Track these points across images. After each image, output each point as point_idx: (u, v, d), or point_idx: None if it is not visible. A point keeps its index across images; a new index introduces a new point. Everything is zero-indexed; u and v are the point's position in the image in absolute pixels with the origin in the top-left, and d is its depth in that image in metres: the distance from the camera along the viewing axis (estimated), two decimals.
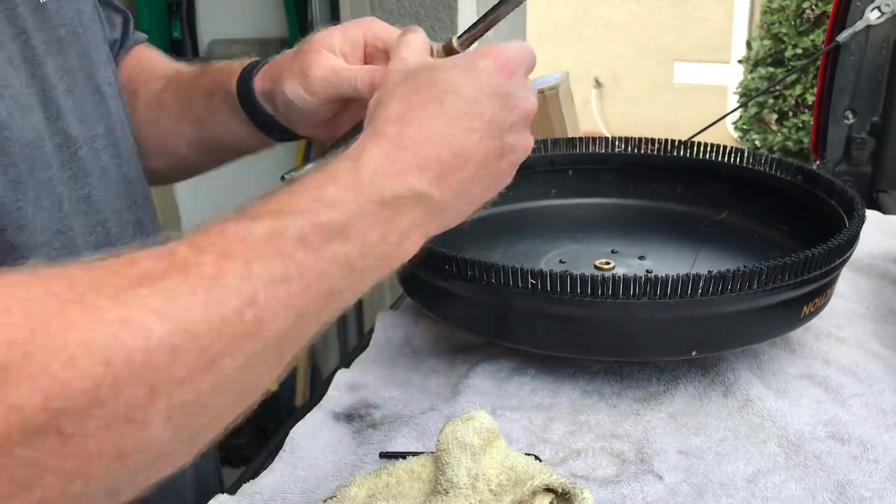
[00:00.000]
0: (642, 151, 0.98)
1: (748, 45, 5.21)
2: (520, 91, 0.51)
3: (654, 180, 0.96)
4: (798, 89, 4.71)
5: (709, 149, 0.93)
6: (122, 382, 0.31)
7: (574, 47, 5.89)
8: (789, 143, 4.83)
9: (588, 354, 0.69)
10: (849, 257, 0.70)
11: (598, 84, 5.94)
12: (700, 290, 0.61)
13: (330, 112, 0.65)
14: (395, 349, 0.77)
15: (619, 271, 0.82)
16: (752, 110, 5.06)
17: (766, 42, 4.87)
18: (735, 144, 4.93)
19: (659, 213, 0.95)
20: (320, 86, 0.61)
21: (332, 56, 0.62)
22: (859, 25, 1.34)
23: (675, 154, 0.95)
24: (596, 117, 5.87)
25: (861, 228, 0.72)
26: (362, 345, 0.80)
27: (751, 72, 5.07)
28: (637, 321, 0.64)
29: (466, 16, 1.75)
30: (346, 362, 0.75)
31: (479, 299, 0.68)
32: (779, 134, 4.87)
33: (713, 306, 0.62)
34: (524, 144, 0.52)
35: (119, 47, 0.75)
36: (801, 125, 4.75)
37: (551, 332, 0.66)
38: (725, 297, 0.62)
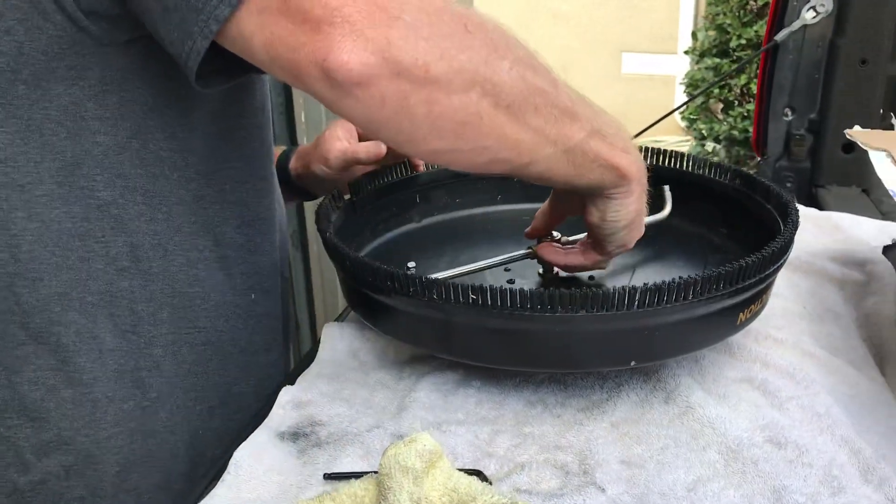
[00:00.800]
0: None
1: (694, 35, 5.28)
2: None
3: None
4: (743, 79, 4.79)
5: (648, 153, 0.94)
6: (494, 29, 0.58)
7: (523, 39, 5.90)
8: (735, 132, 4.92)
9: (530, 366, 0.70)
10: (783, 264, 0.72)
11: None
12: (637, 303, 0.62)
13: (339, 176, 0.96)
14: (341, 363, 0.76)
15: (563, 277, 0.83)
16: (699, 100, 5.14)
17: (712, 33, 4.94)
18: (682, 134, 4.97)
19: None
20: (336, 163, 0.95)
21: (341, 141, 0.96)
22: (796, 25, 1.37)
23: None
24: None
25: (794, 235, 0.73)
26: (308, 359, 0.79)
27: (697, 62, 5.14)
28: (577, 334, 0.64)
29: None
30: (292, 377, 0.75)
31: (421, 314, 0.68)
32: (725, 123, 4.95)
33: (650, 318, 0.63)
34: None
35: None
36: (746, 114, 4.83)
37: (494, 345, 0.66)
38: (661, 309, 0.63)
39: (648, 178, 0.70)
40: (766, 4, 4.64)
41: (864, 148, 0.87)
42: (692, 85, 5.18)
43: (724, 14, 4.81)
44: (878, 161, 0.81)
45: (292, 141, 1.85)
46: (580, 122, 0.62)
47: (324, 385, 0.72)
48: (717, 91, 4.98)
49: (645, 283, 0.62)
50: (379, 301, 0.70)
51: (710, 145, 5.36)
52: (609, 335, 0.64)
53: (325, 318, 2.02)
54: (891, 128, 1.39)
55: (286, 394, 0.70)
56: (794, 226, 0.74)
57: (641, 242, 0.90)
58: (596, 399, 0.71)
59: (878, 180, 1.41)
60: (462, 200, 0.97)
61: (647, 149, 0.96)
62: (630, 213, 0.69)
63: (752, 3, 4.72)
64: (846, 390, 0.76)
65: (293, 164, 1.02)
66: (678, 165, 0.93)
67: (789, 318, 0.88)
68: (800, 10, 1.36)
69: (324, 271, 1.95)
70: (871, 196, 1.39)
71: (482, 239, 0.92)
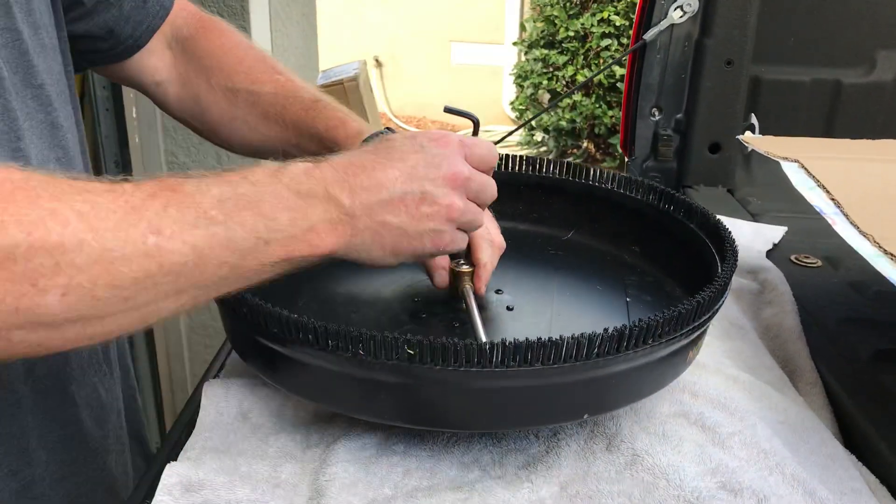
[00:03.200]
0: None
1: (522, 27, 5.36)
2: (447, 158, 0.59)
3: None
4: (570, 70, 4.92)
5: (553, 167, 0.87)
6: (35, 251, 0.41)
7: (353, 26, 5.78)
8: (563, 123, 5.05)
9: (469, 427, 0.60)
10: (727, 295, 0.67)
11: (378, 64, 5.87)
12: (596, 351, 0.54)
13: None
14: (231, 428, 0.63)
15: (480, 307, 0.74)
16: (528, 91, 5.23)
17: (539, 24, 5.03)
18: (511, 124, 5.06)
19: (504, 234, 0.88)
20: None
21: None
22: (664, 24, 1.36)
23: (516, 171, 0.89)
24: (378, 98, 5.81)
25: (737, 259, 0.68)
26: (185, 420, 0.66)
27: (526, 53, 5.22)
28: (523, 389, 0.55)
29: (258, 2, 1.59)
30: (173, 450, 0.61)
31: (337, 371, 0.57)
32: (552, 114, 5.07)
33: (610, 366, 0.56)
34: (448, 202, 0.59)
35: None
36: (573, 105, 4.97)
37: (431, 406, 0.56)
38: (622, 356, 0.55)
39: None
40: None
41: (773, 159, 0.84)
42: (521, 76, 5.27)
43: (552, 6, 4.90)
44: (792, 172, 0.78)
45: (121, 142, 1.65)
46: (217, 256, 0.49)
47: (214, 459, 0.59)
48: (545, 83, 5.09)
49: (606, 329, 0.54)
50: (279, 352, 0.58)
51: (538, 135, 5.48)
52: (563, 388, 0.56)
53: (167, 351, 1.81)
54: (752, 128, 1.41)
55: (172, 474, 0.57)
56: (735, 249, 0.69)
57: (556, 262, 0.84)
58: (535, 453, 0.63)
59: (744, 180, 1.43)
60: None
61: (548, 161, 0.89)
62: (383, 245, 0.58)
63: None
64: (775, 416, 0.73)
65: None
66: (584, 179, 0.87)
67: None
68: (667, 9, 1.35)
69: None
70: (735, 196, 1.40)
71: None
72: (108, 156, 1.61)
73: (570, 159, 5.36)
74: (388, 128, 0.80)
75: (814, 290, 1.00)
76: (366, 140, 0.77)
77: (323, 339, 0.54)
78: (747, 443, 0.66)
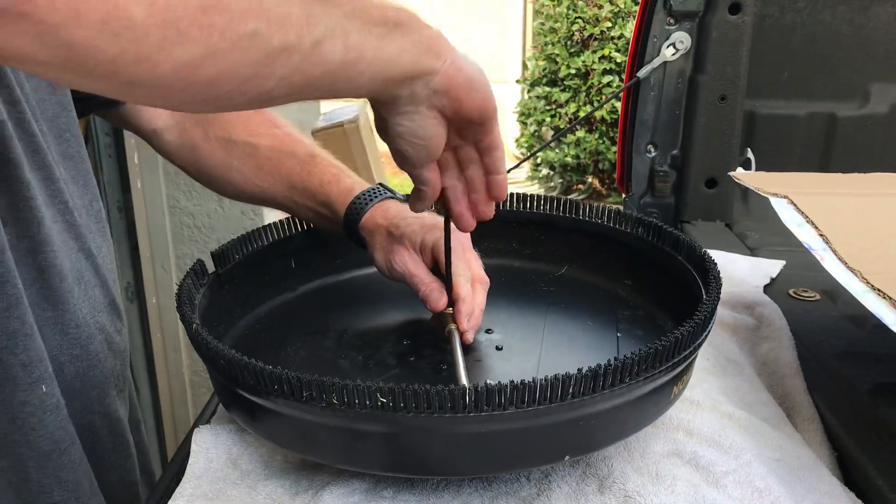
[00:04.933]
0: None
1: (524, 65, 5.42)
2: None
3: (488, 236, 0.90)
4: (572, 107, 4.95)
5: (545, 202, 0.88)
6: None
7: None
8: (568, 159, 5.07)
9: (447, 473, 0.60)
10: (710, 329, 0.67)
11: None
12: (571, 392, 0.54)
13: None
14: (220, 475, 0.63)
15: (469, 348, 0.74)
16: (532, 128, 5.26)
17: (542, 63, 5.08)
18: (517, 161, 5.08)
19: (497, 272, 0.88)
20: (396, 273, 0.76)
21: (412, 254, 0.76)
22: (657, 62, 1.37)
23: (509, 208, 0.89)
24: (377, 139, 5.85)
25: (720, 294, 0.68)
26: (175, 468, 0.66)
27: (528, 91, 5.27)
28: (498, 433, 0.55)
29: None
30: (162, 497, 0.61)
31: (313, 421, 0.56)
32: (557, 150, 5.10)
33: (587, 406, 0.55)
34: None
35: None
36: (577, 141, 5.00)
37: (402, 453, 0.56)
38: (599, 396, 0.55)
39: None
40: (591, 36, 4.83)
41: (762, 195, 0.84)
42: (524, 114, 5.31)
43: (553, 44, 4.96)
44: (781, 209, 0.78)
45: (124, 187, 1.66)
46: None
47: None
48: (548, 119, 5.13)
49: (580, 370, 0.54)
50: (265, 407, 0.58)
51: (544, 171, 5.51)
52: (540, 430, 0.55)
53: (169, 394, 1.81)
54: (748, 162, 1.42)
55: None
56: (718, 283, 0.69)
57: (548, 298, 0.84)
58: (526, 496, 0.62)
59: (742, 214, 1.43)
60: (342, 261, 0.87)
61: (540, 197, 0.89)
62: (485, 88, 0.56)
63: (577, 34, 4.90)
64: (771, 454, 0.72)
65: (364, 223, 0.79)
66: (576, 215, 0.87)
67: (697, 375, 0.83)
68: (660, 46, 1.36)
69: (165, 335, 1.76)
70: (734, 230, 1.40)
71: (369, 306, 0.82)
72: (112, 201, 1.63)
73: (576, 194, 5.38)
74: (380, 184, 0.81)
75: (812, 324, 0.99)
76: (359, 196, 0.79)
77: (297, 389, 0.53)
78: (742, 482, 0.66)
